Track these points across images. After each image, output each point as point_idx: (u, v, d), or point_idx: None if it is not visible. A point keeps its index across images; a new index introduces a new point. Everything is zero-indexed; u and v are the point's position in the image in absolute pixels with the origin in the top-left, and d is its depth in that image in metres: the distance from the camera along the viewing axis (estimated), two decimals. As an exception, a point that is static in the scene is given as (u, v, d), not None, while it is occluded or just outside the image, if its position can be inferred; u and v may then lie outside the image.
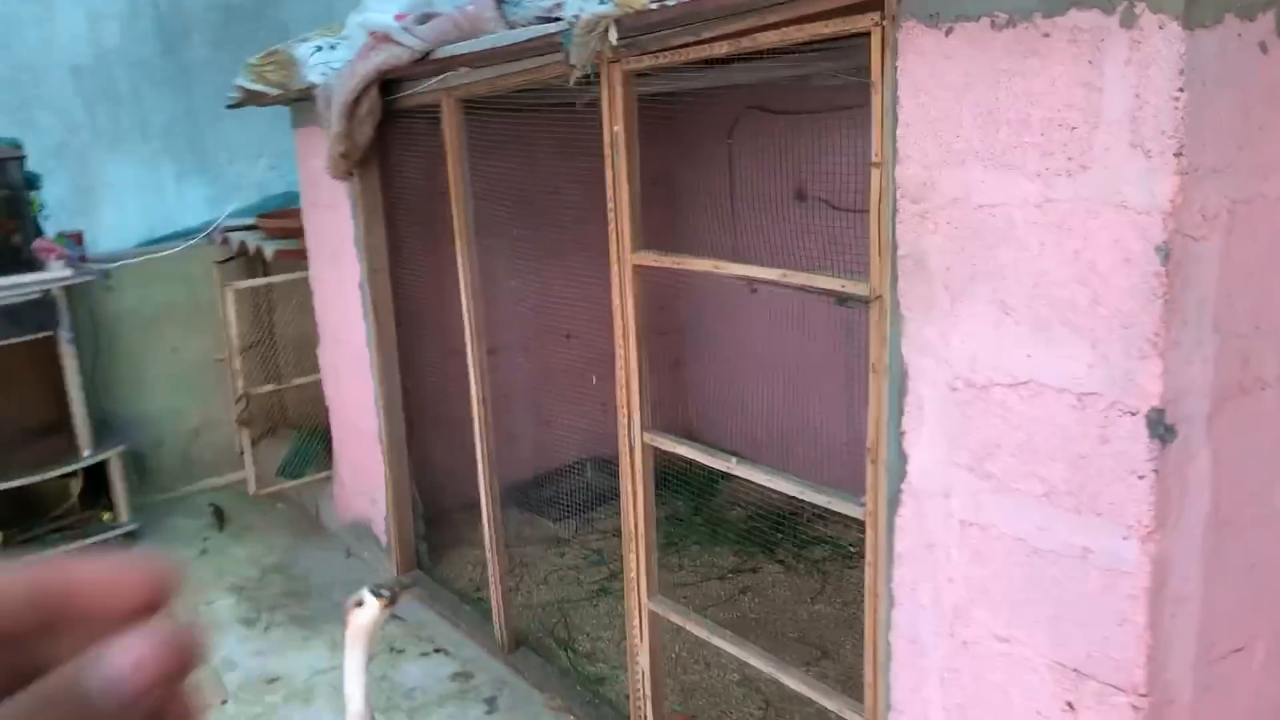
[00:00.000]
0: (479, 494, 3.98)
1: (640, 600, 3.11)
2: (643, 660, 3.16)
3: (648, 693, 3.19)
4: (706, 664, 3.83)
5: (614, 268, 2.89)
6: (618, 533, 5.12)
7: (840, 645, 3.93)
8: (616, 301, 2.91)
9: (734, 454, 2.73)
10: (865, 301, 2.23)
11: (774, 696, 3.60)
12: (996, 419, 1.99)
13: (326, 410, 5.20)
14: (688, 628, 2.99)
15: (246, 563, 5.02)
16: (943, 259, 2.03)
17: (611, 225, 2.85)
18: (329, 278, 4.72)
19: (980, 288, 1.98)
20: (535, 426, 5.27)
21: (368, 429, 4.68)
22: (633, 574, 3.10)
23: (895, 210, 2.10)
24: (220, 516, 5.54)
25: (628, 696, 3.36)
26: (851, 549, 4.69)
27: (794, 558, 4.68)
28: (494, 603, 3.99)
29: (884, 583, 2.32)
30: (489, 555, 3.95)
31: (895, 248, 2.12)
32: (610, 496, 5.46)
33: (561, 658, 3.96)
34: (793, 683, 2.61)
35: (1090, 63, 1.74)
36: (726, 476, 5.55)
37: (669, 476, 5.49)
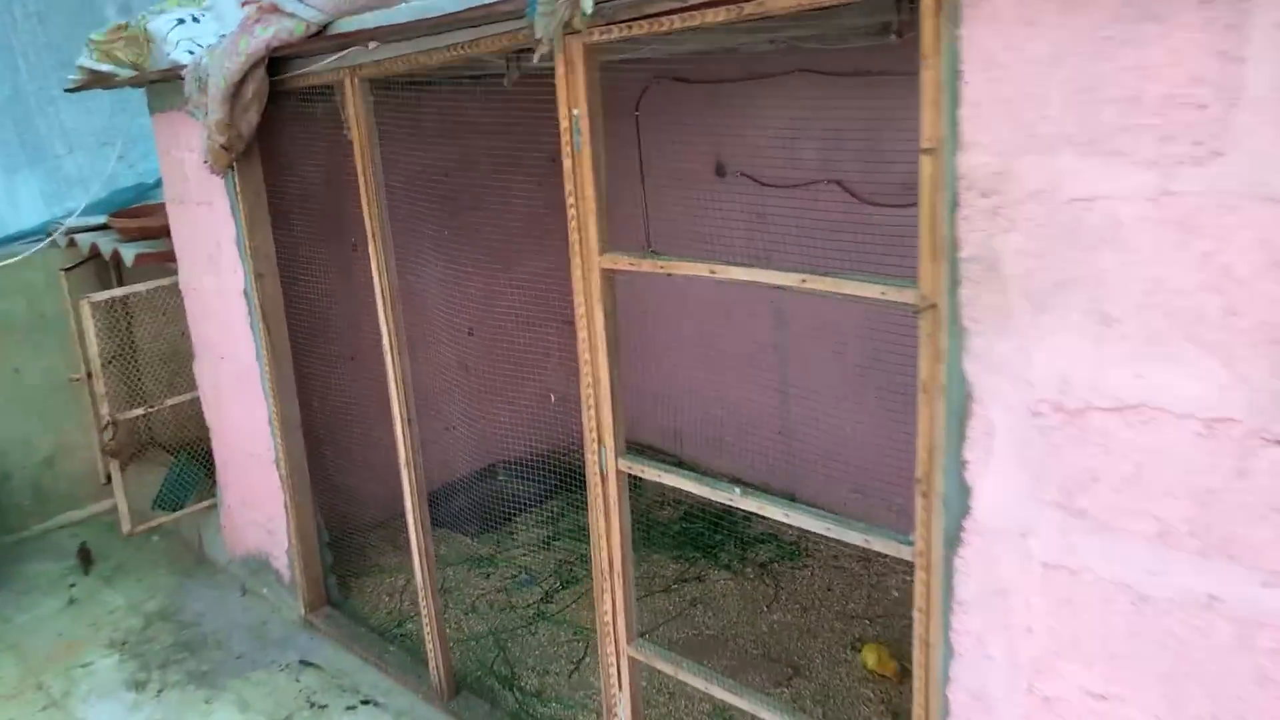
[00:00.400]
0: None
1: (619, 647, 2.75)
2: (622, 712, 2.81)
3: (630, 747, 2.84)
4: (671, 693, 3.50)
5: (576, 273, 2.49)
6: (545, 545, 4.75)
7: (809, 659, 3.66)
8: (580, 311, 2.51)
9: (737, 482, 2.38)
10: (913, 311, 1.91)
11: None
12: (1095, 448, 1.70)
13: (206, 433, 4.61)
14: (679, 676, 2.64)
15: (126, 611, 4.42)
16: (1022, 262, 1.72)
17: (573, 224, 2.45)
18: (205, 285, 4.14)
19: (1073, 296, 1.68)
20: (439, 432, 4.82)
21: (260, 452, 4.15)
22: (608, 618, 2.74)
23: (956, 204, 1.78)
24: (87, 557, 4.88)
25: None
26: (794, 548, 4.44)
27: (739, 561, 4.39)
28: (429, 642, 3.55)
29: (939, 630, 2.02)
30: (420, 584, 3.50)
31: (956, 248, 1.80)
32: (529, 504, 5.07)
33: (508, 699, 3.57)
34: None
35: (1229, 27, 1.44)
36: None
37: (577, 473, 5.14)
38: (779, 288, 2.16)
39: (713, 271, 2.22)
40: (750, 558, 4.40)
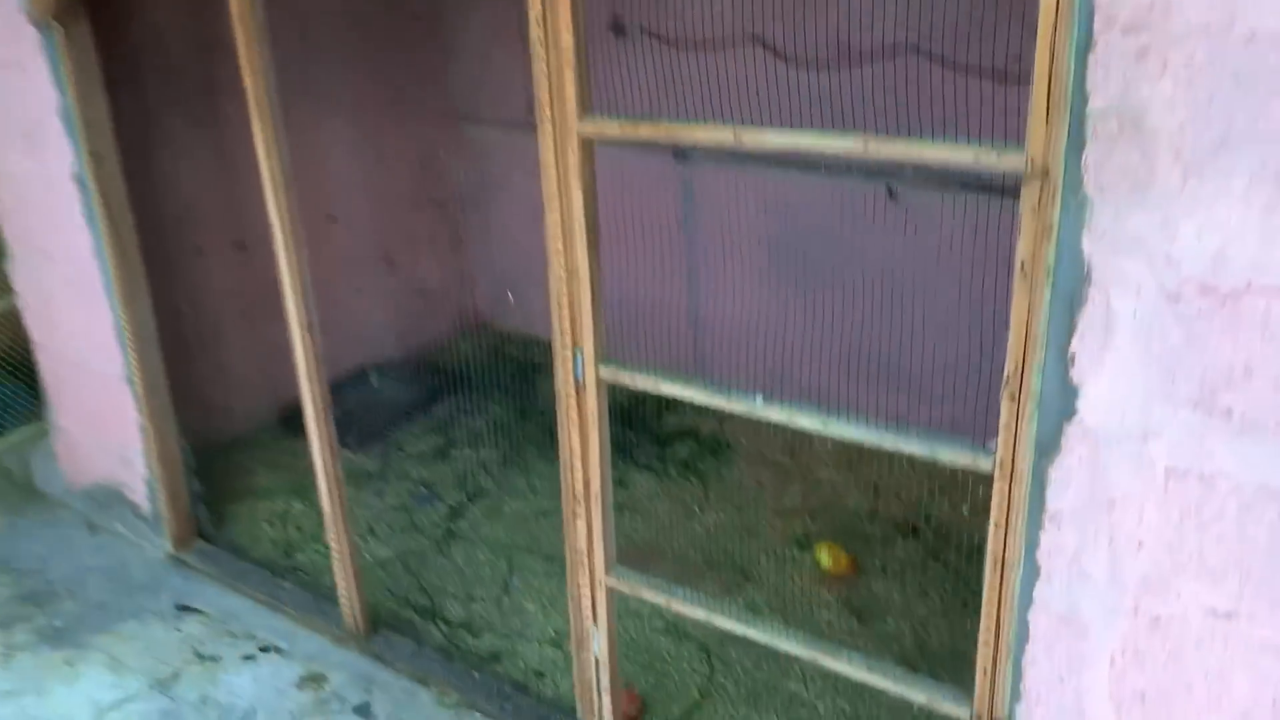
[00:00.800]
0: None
1: (594, 576, 2.41)
2: (598, 647, 2.48)
3: (605, 684, 2.53)
4: (621, 613, 3.20)
5: (545, 142, 2.04)
6: (439, 455, 4.31)
7: (756, 562, 3.43)
8: (551, 189, 2.08)
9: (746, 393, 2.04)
10: (1015, 181, 1.59)
11: (712, 642, 3.05)
12: (1251, 336, 1.44)
13: (27, 345, 3.91)
14: (672, 606, 2.33)
15: (-57, 563, 3.75)
16: (1174, 116, 1.41)
17: (541, 80, 1.99)
18: (20, 168, 3.40)
19: (1240, 157, 1.38)
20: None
21: (107, 368, 3.51)
22: (582, 545, 2.38)
23: (1089, 44, 1.45)
24: (-115, 499, 4.12)
25: (571, 688, 2.69)
26: (715, 443, 4.18)
27: (658, 460, 4.09)
28: (340, 576, 3.12)
29: (1018, 548, 1.77)
30: (329, 512, 3.04)
31: (1083, 100, 1.48)
32: (412, 410, 4.61)
33: (433, 633, 3.19)
34: (873, 678, 2.05)
35: None
36: (542, 367, 4.85)
37: (471, 374, 4.71)
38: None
39: (738, 137, 1.82)
40: (670, 456, 4.11)
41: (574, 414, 2.26)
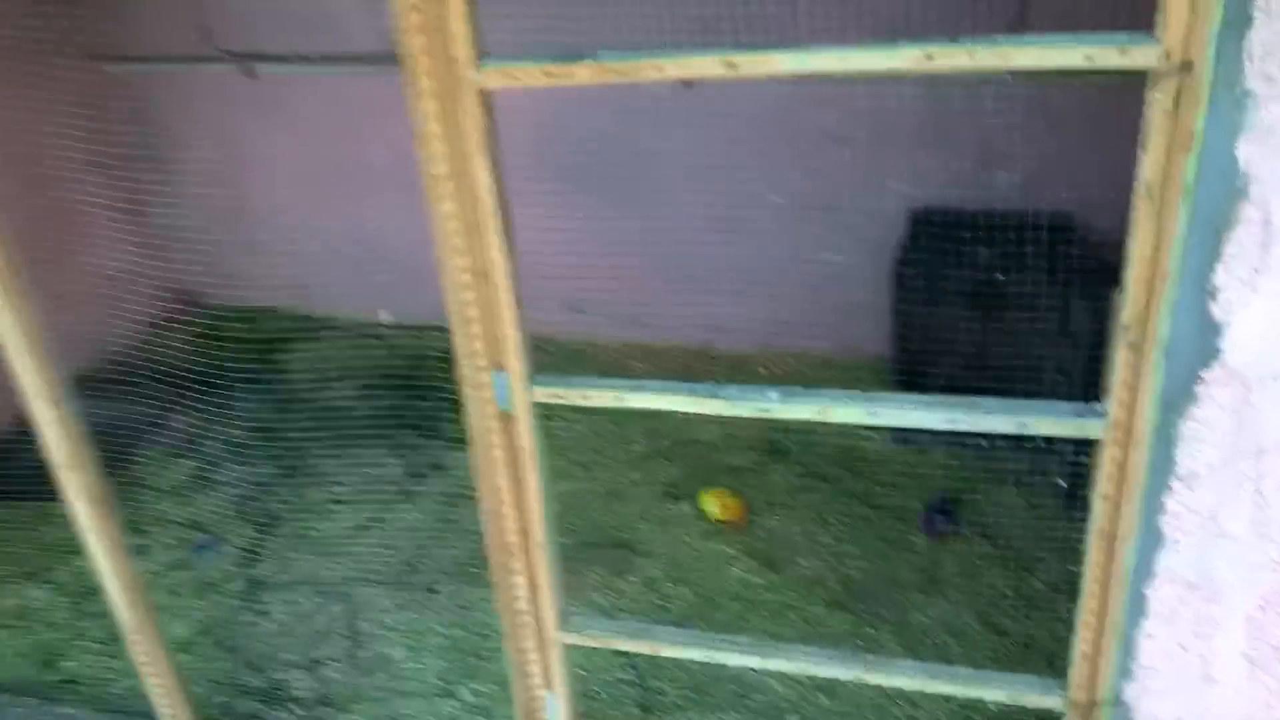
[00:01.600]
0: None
1: (545, 637, 1.91)
2: (556, 717, 2.00)
3: (569, 753, 2.06)
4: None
5: (425, 105, 1.43)
6: (197, 484, 3.49)
7: (634, 531, 3.03)
8: (438, 170, 1.48)
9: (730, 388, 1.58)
10: (1144, 78, 1.22)
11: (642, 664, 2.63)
12: None
13: None
14: (644, 652, 1.89)
15: None
16: (1374, -25, 1.09)
17: (410, 18, 1.37)
18: None
19: None
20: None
21: None
22: (523, 604, 1.87)
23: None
24: None
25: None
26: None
27: (471, 431, 3.55)
28: (154, 685, 2.39)
29: (1132, 520, 1.48)
30: (121, 608, 2.29)
31: (1245, -31, 1.12)
32: (134, 436, 3.71)
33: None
34: (939, 685, 1.72)
35: None
36: (286, 344, 4.10)
37: (199, 369, 3.86)
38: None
39: (731, 65, 1.31)
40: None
41: (499, 451, 1.71)
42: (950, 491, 3.03)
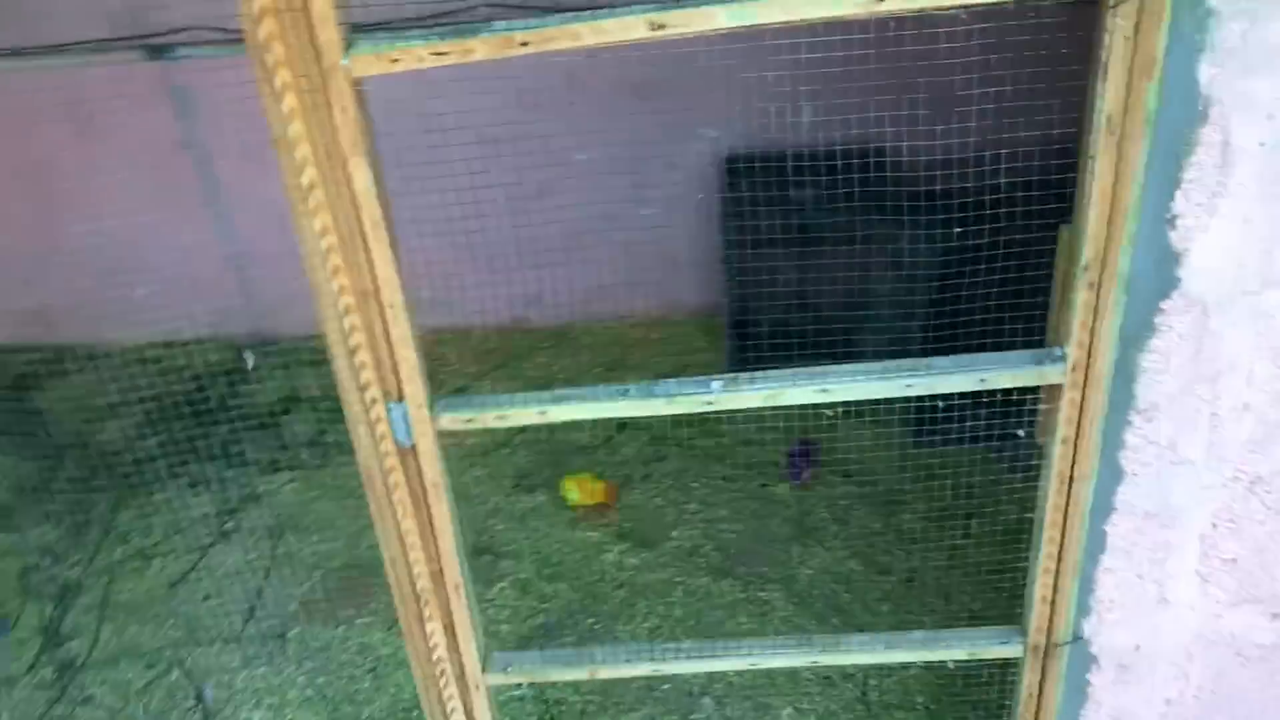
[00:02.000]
0: None
1: (468, 682, 1.70)
2: (488, 764, 1.80)
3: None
4: (392, 666, 2.46)
5: (282, 104, 1.17)
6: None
7: (490, 532, 2.82)
8: (304, 179, 1.22)
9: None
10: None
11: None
12: None
13: None
14: (568, 679, 1.73)
15: None
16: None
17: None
18: None
19: None
20: None
21: None
22: (441, 651, 1.65)
23: None
24: None
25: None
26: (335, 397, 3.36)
27: (281, 448, 3.20)
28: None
29: (1091, 459, 1.45)
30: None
31: None
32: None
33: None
34: (898, 655, 1.65)
35: None
36: (33, 376, 3.59)
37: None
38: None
39: (659, 25, 1.13)
40: (292, 439, 3.23)
41: (400, 490, 1.48)
42: (802, 434, 3.01)
